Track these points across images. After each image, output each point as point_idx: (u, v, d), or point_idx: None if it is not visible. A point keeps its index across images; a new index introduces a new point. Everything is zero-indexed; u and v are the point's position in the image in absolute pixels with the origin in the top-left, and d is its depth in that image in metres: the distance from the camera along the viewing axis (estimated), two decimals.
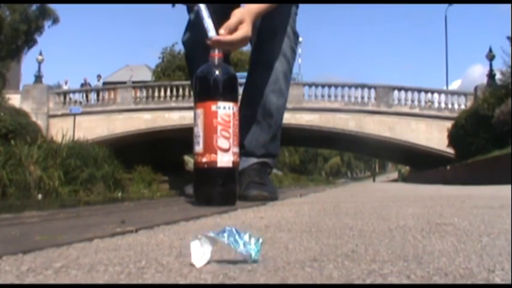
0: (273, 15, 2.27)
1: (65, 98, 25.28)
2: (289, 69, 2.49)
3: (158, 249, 0.86)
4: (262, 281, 0.61)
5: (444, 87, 28.71)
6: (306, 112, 22.69)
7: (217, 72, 1.87)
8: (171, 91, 24.50)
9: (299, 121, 21.92)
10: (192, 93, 2.41)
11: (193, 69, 2.10)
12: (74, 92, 26.25)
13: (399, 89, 23.08)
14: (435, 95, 22.72)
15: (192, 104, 1.97)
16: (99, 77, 31.37)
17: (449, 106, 21.95)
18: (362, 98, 23.11)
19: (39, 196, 8.04)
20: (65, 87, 28.69)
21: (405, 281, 0.61)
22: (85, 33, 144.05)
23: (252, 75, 2.49)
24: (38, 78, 25.55)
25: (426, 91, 22.81)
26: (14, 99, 22.00)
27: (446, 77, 47.34)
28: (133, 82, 30.99)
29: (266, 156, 2.46)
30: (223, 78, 1.87)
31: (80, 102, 25.05)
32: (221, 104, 1.84)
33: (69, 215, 1.60)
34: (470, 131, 14.91)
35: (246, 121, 2.34)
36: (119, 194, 9.80)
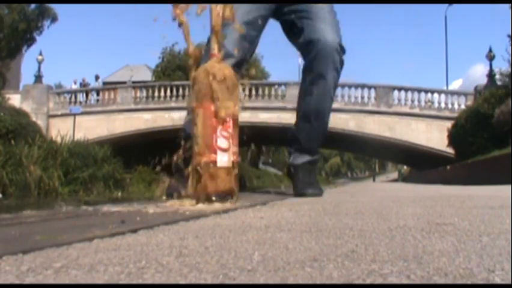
0: (326, 31, 2.74)
1: (74, 97, 25.29)
2: (338, 78, 2.90)
3: (158, 249, 0.85)
4: (262, 281, 0.61)
5: (445, 87, 28.72)
6: None
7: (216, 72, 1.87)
8: (171, 91, 24.49)
9: None
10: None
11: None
12: (74, 92, 26.25)
13: (399, 89, 23.06)
14: (435, 95, 22.70)
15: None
16: (97, 77, 31.31)
17: (449, 106, 21.95)
18: (362, 98, 23.09)
19: None
20: (74, 87, 28.71)
21: (405, 281, 0.61)
22: (85, 33, 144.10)
23: (307, 82, 2.88)
24: (38, 78, 25.54)
25: (426, 91, 22.79)
26: (14, 99, 22.00)
27: (446, 77, 47.37)
28: (133, 82, 30.95)
29: (316, 153, 2.98)
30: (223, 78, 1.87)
31: (80, 102, 25.04)
32: (221, 104, 1.84)
33: (69, 215, 1.60)
34: (470, 131, 14.90)
35: (301, 121, 2.93)
36: (119, 194, 9.80)
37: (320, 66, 2.77)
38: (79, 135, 15.19)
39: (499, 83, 18.78)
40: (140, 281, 0.61)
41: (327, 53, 2.73)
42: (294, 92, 20.94)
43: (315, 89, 2.82)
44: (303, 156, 2.91)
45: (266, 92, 23.01)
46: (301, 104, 2.97)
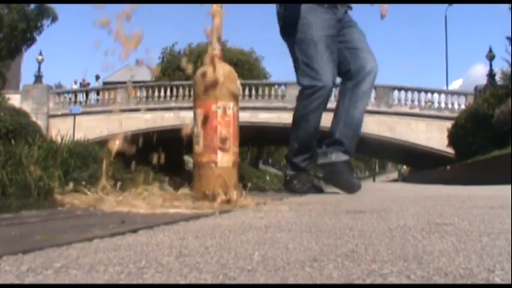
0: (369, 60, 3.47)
1: (74, 97, 25.31)
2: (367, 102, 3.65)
3: (158, 249, 0.85)
4: (262, 281, 0.61)
5: (445, 87, 28.70)
6: None
7: (217, 72, 1.87)
8: (171, 91, 24.49)
9: None
10: (192, 93, 2.44)
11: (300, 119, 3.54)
12: (75, 92, 26.24)
13: (399, 89, 23.04)
14: (435, 95, 22.69)
15: (192, 104, 1.97)
16: (97, 77, 31.31)
17: (449, 106, 21.94)
18: None
19: None
20: (75, 86, 28.72)
21: (405, 281, 0.61)
22: (85, 33, 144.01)
23: (350, 99, 3.45)
24: (38, 78, 25.53)
25: (426, 91, 22.78)
26: (14, 99, 21.97)
27: (446, 77, 47.34)
28: (133, 82, 30.91)
29: (351, 155, 3.57)
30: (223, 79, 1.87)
31: (80, 102, 25.04)
32: (221, 104, 1.84)
33: (69, 215, 1.60)
34: (470, 131, 14.89)
35: (343, 128, 3.46)
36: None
37: (365, 87, 3.45)
38: (79, 135, 15.15)
39: (499, 83, 18.76)
40: (140, 281, 0.61)
41: (372, 77, 3.41)
42: (294, 92, 20.90)
43: (361, 104, 3.47)
44: (343, 155, 3.48)
45: (266, 92, 23.00)
46: (346, 116, 3.48)
